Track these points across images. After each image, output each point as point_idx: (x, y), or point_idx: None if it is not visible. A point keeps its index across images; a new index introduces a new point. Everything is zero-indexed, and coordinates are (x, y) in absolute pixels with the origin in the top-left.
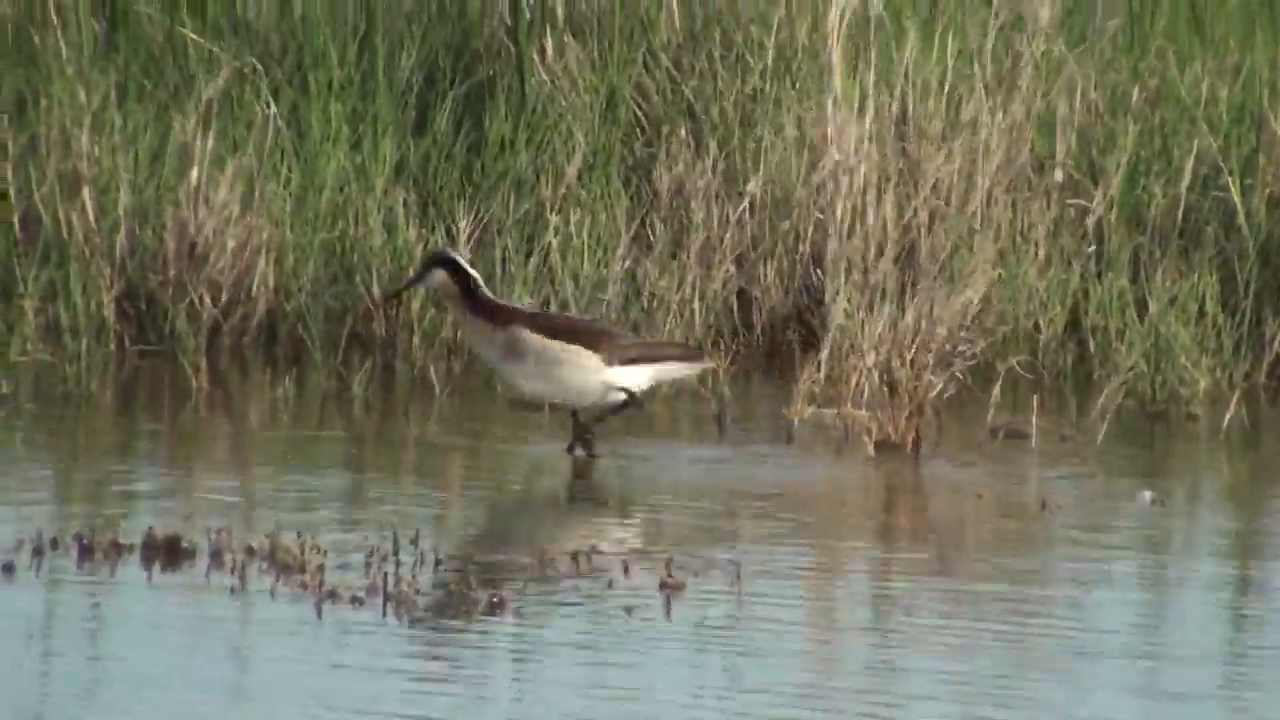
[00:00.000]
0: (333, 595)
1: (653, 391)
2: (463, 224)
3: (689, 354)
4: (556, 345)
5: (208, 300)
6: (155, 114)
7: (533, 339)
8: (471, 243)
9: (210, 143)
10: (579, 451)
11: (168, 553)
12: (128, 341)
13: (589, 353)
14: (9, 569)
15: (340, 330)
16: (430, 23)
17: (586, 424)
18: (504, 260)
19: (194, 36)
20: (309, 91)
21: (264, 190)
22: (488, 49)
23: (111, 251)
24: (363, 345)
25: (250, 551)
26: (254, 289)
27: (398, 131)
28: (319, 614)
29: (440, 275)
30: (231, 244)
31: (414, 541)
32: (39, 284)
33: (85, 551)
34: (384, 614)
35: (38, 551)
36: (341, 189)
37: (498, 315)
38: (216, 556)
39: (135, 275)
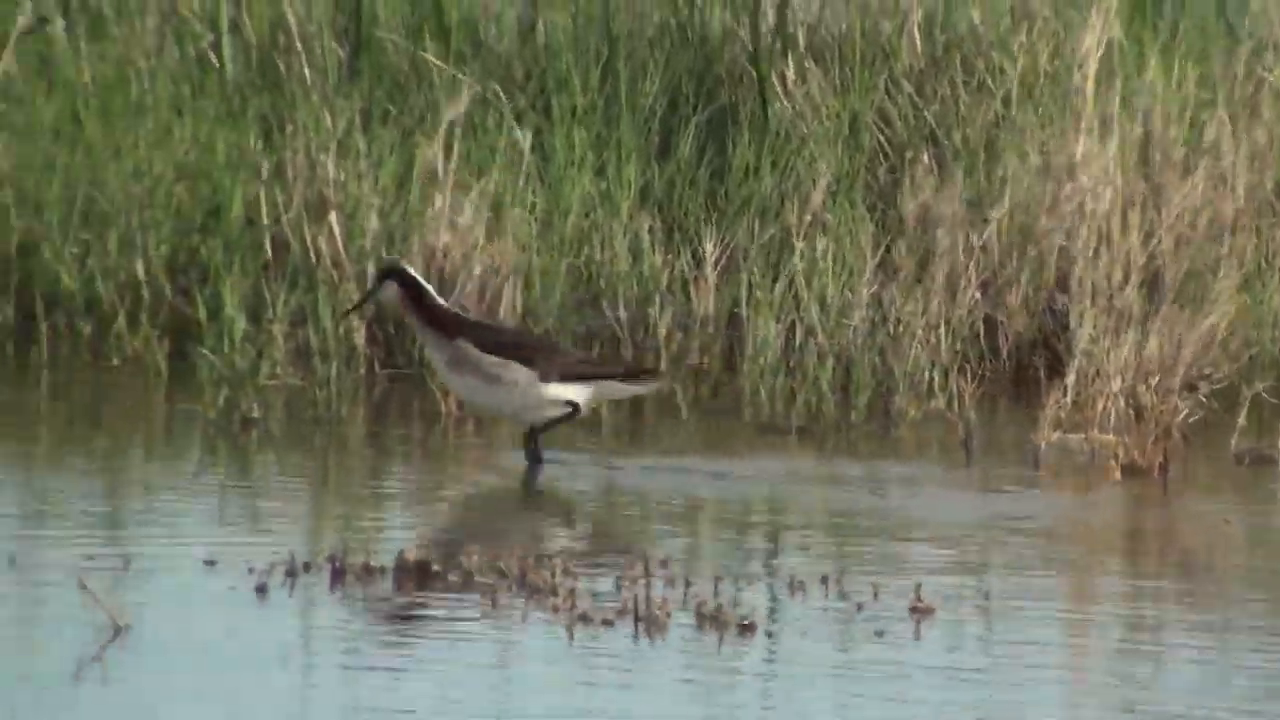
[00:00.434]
0: (584, 618)
1: (894, 418)
2: (708, 249)
3: (633, 373)
4: (493, 360)
5: None
6: (400, 139)
7: (473, 352)
8: (718, 268)
9: (455, 168)
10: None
11: (419, 575)
12: (377, 365)
13: (524, 368)
14: (262, 591)
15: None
16: (673, 48)
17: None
18: (750, 285)
19: (437, 62)
20: (552, 117)
21: (510, 215)
22: (730, 74)
23: (359, 276)
24: None
25: (501, 574)
26: (501, 314)
27: (641, 157)
28: (570, 637)
29: (391, 287)
30: (478, 269)
31: (664, 564)
32: (288, 309)
33: (338, 574)
34: (635, 636)
35: (290, 574)
36: (587, 214)
37: (448, 326)
38: (468, 579)
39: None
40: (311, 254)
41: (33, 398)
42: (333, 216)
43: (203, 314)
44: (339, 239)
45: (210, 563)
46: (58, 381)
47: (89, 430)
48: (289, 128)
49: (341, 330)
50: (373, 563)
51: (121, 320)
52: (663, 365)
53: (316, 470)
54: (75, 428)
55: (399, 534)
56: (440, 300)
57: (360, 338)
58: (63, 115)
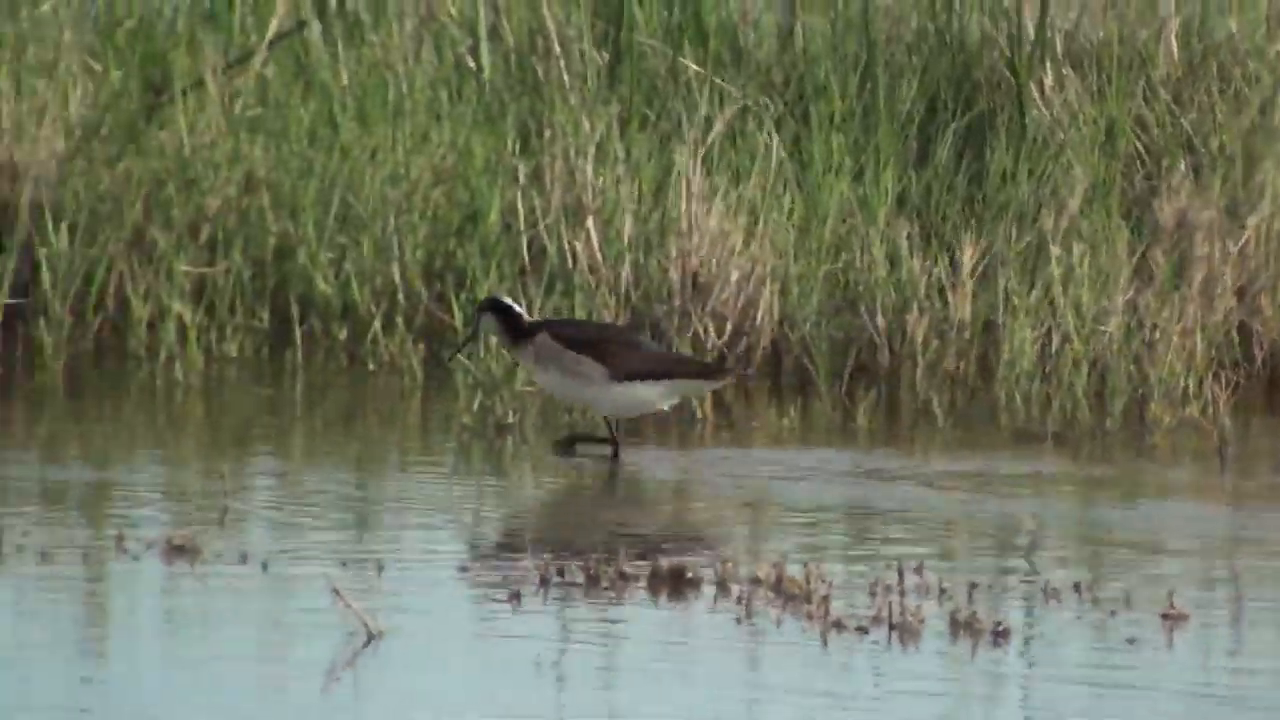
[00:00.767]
0: (838, 625)
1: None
2: (966, 255)
3: (701, 370)
4: (570, 356)
5: (712, 331)
6: (658, 144)
7: (553, 347)
8: (974, 275)
9: (712, 174)
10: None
11: (673, 582)
12: None
13: (597, 365)
14: (516, 598)
15: (844, 361)
16: (930, 54)
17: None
18: (1006, 292)
19: (696, 68)
20: (810, 123)
21: (767, 221)
22: (988, 80)
23: (616, 282)
24: (867, 375)
25: (756, 581)
26: (758, 320)
27: (899, 163)
28: (824, 643)
29: (489, 320)
30: (735, 275)
31: (918, 570)
32: (546, 314)
33: (592, 581)
34: (889, 643)
35: (544, 581)
36: (844, 220)
37: (528, 329)
38: (722, 586)
39: (640, 305)
40: (569, 259)
41: (288, 402)
42: (590, 221)
43: (459, 319)
44: (596, 244)
45: (464, 569)
46: (313, 386)
47: (344, 435)
48: (547, 133)
49: None
50: (627, 569)
51: (377, 325)
52: (731, 360)
53: (570, 476)
54: (330, 432)
55: (653, 539)
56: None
57: None
58: (319, 119)
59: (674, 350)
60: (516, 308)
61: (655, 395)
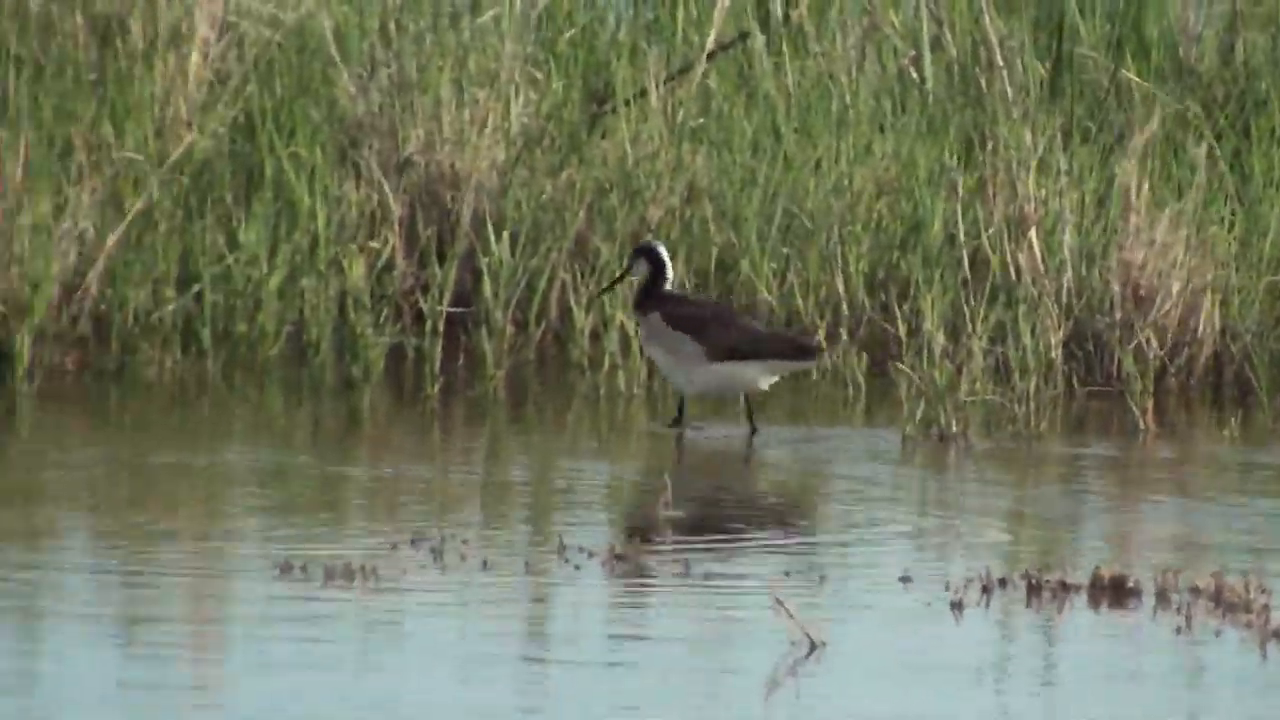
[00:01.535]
0: (1278, 635)
1: None
2: None
3: (796, 350)
4: (672, 334)
5: (1154, 342)
6: (1100, 156)
7: (658, 326)
8: None
9: (1154, 186)
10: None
11: (1113, 592)
12: (1075, 382)
13: (694, 343)
14: (958, 607)
15: None
16: None
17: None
18: None
19: (1137, 80)
20: (1251, 136)
21: (1208, 233)
22: None
23: (1058, 293)
24: None
25: (1196, 591)
26: (1199, 331)
27: None
28: (1263, 653)
29: (642, 265)
30: (1176, 286)
31: None
32: (988, 325)
33: (1033, 590)
34: None
35: (986, 590)
36: None
37: (648, 302)
38: (1162, 596)
39: (1083, 316)
40: (1011, 270)
41: (729, 412)
42: (1032, 233)
43: (902, 330)
44: (1038, 256)
45: (906, 578)
46: (753, 395)
47: (785, 446)
48: (989, 144)
49: (1041, 346)
50: (1069, 579)
51: (821, 335)
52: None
53: (1012, 487)
54: (771, 442)
55: (1091, 548)
56: (668, 286)
57: (1058, 354)
58: (762, 129)
59: (774, 329)
60: (667, 268)
61: (752, 374)
